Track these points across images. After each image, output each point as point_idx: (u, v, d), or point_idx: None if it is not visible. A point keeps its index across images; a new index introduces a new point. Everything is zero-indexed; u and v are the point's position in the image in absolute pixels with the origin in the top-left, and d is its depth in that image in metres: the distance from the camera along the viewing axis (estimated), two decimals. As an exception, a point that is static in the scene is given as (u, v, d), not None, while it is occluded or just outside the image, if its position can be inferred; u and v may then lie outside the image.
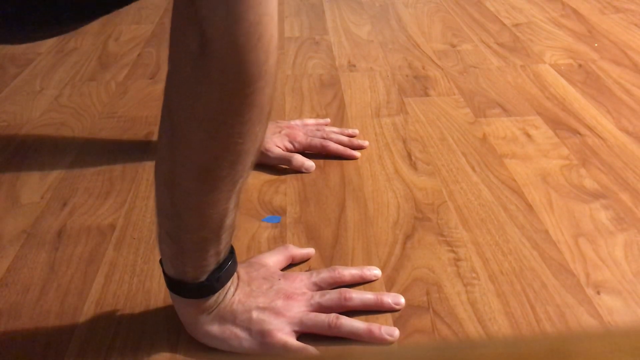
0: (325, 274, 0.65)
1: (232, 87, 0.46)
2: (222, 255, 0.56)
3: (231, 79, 0.45)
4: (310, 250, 0.70)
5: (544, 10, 1.55)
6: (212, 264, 0.56)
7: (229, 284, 0.58)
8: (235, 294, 0.59)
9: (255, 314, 0.58)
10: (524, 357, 0.16)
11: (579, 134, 0.96)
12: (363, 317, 0.62)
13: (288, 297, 0.61)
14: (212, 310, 0.58)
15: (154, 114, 1.06)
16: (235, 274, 0.60)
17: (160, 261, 0.58)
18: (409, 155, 0.91)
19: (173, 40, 0.46)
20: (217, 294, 0.57)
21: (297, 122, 0.96)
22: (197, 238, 0.53)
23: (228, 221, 0.54)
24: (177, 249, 0.54)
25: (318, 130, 0.94)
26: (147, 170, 0.89)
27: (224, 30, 0.43)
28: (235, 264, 0.59)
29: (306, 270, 0.68)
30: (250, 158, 0.50)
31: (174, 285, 0.57)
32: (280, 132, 0.91)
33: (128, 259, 0.71)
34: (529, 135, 0.96)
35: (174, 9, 0.45)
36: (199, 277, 0.56)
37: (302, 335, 0.59)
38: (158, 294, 0.66)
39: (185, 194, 0.51)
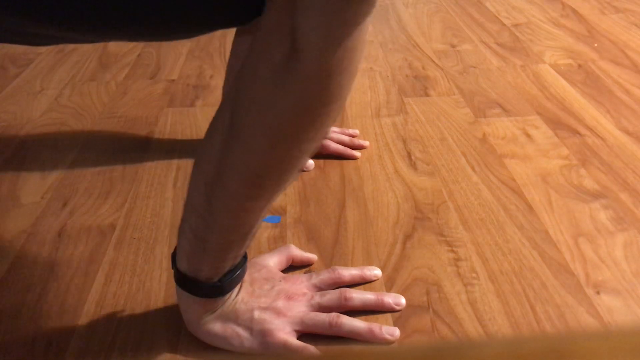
0: (325, 275, 0.65)
1: (310, 105, 0.46)
2: (239, 259, 0.57)
3: (311, 98, 0.46)
4: (312, 256, 0.70)
5: (544, 10, 1.55)
6: (228, 266, 0.56)
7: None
8: (238, 294, 0.59)
9: (256, 314, 0.58)
10: (523, 357, 0.16)
11: (579, 134, 0.96)
12: (363, 317, 0.62)
13: (289, 297, 0.61)
14: (216, 310, 0.58)
15: (154, 114, 1.06)
16: None
17: (173, 255, 0.58)
18: (409, 155, 0.91)
19: (258, 46, 0.46)
20: (225, 295, 0.58)
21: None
22: (223, 240, 0.54)
23: (256, 227, 0.54)
24: (199, 247, 0.54)
25: (318, 130, 0.94)
26: (147, 170, 0.89)
27: (319, 51, 0.43)
28: (245, 268, 0.59)
29: (306, 272, 0.68)
30: (297, 174, 0.51)
31: (185, 281, 0.57)
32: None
33: (128, 259, 0.71)
34: (528, 135, 0.96)
35: (268, 14, 0.45)
36: (212, 277, 0.56)
37: (302, 335, 0.60)
38: (158, 294, 0.66)
39: (226, 195, 0.51)
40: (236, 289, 0.59)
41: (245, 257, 0.59)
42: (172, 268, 0.58)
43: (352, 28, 0.43)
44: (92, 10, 0.48)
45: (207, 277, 0.56)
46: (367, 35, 0.45)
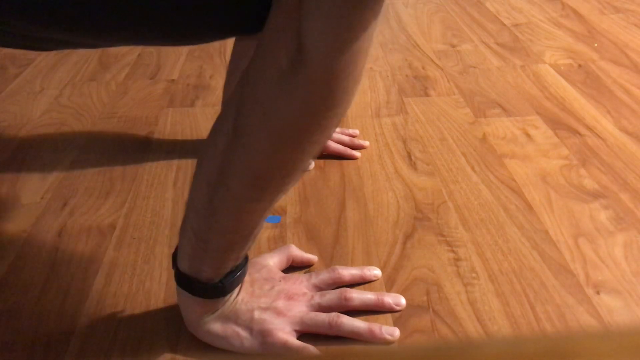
0: (325, 275, 0.65)
1: (315, 109, 0.46)
2: (240, 260, 0.57)
3: (317, 102, 0.46)
4: (312, 257, 0.70)
5: (544, 10, 1.55)
6: (229, 267, 0.56)
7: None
8: (238, 294, 0.59)
9: (256, 314, 0.58)
10: (523, 357, 0.16)
11: (579, 134, 0.96)
12: (363, 317, 0.62)
13: (289, 297, 0.61)
14: (216, 310, 0.58)
15: (154, 114, 1.06)
16: None
17: (173, 255, 0.58)
18: (409, 155, 0.91)
19: (264, 49, 0.46)
20: (225, 296, 0.58)
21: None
22: (225, 241, 0.54)
23: (257, 229, 0.55)
24: (201, 247, 0.54)
25: (318, 130, 0.94)
26: (147, 170, 0.89)
27: (326, 56, 0.43)
28: (247, 269, 0.59)
29: (306, 272, 0.68)
30: (300, 176, 0.51)
31: (186, 282, 0.57)
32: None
33: (128, 259, 0.71)
34: (528, 135, 0.96)
35: (273, 17, 0.45)
36: (213, 278, 0.56)
37: (302, 335, 0.60)
38: (158, 294, 0.66)
39: (229, 197, 0.51)
40: (237, 290, 0.59)
41: (246, 258, 0.59)
42: (173, 268, 0.58)
43: (359, 33, 0.43)
44: (105, 14, 0.48)
45: (208, 277, 0.56)
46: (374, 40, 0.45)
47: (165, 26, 0.50)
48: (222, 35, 0.56)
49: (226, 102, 0.49)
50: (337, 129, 0.96)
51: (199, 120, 1.03)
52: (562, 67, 1.20)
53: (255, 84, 0.47)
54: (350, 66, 0.44)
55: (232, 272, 0.57)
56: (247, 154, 0.48)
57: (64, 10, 0.47)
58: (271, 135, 0.47)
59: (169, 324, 0.62)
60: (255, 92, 0.47)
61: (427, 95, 1.11)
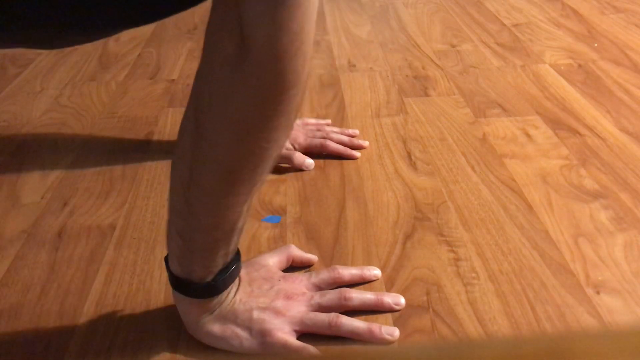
0: (325, 275, 0.65)
1: (267, 93, 0.46)
2: (230, 257, 0.57)
3: (268, 85, 0.45)
4: (312, 257, 0.70)
5: (544, 10, 1.55)
6: (220, 265, 0.56)
7: (232, 284, 0.59)
8: (236, 294, 0.59)
9: (255, 314, 0.58)
10: (523, 357, 0.17)
11: (579, 134, 0.96)
12: (363, 317, 0.62)
13: (288, 297, 0.61)
14: (214, 310, 0.58)
15: (154, 114, 1.06)
16: None
17: (165, 259, 0.58)
18: (409, 155, 0.91)
19: (209, 41, 0.46)
20: (220, 295, 0.58)
21: (298, 121, 0.96)
22: (209, 238, 0.54)
23: (240, 223, 0.54)
24: (187, 248, 0.54)
25: (318, 130, 0.94)
26: (147, 170, 0.89)
27: (267, 38, 0.43)
28: (240, 266, 0.59)
29: (306, 272, 0.68)
30: (271, 163, 0.51)
31: (179, 284, 0.57)
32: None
33: (128, 259, 0.71)
34: (528, 135, 0.96)
35: (213, 10, 0.45)
36: (205, 277, 0.56)
37: (302, 335, 0.60)
38: (158, 293, 0.66)
39: (203, 194, 0.51)
40: (233, 289, 0.59)
41: (238, 255, 0.58)
42: (167, 272, 0.58)
43: (296, 11, 0.43)
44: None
45: (199, 277, 0.56)
46: (315, 16, 0.45)
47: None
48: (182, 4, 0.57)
49: (188, 101, 0.50)
50: (337, 129, 0.96)
51: (199, 120, 1.02)
52: (562, 67, 1.20)
53: (207, 78, 0.47)
54: (295, 44, 0.44)
55: (224, 269, 0.56)
56: (211, 149, 0.49)
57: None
58: (231, 127, 0.47)
59: (169, 324, 0.62)
60: (208, 85, 0.47)
61: (427, 95, 1.11)
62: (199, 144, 0.49)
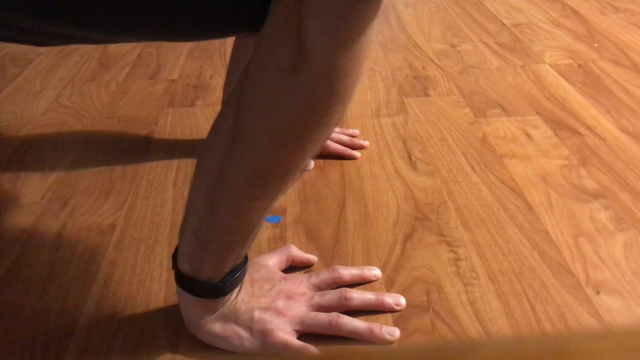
0: (325, 275, 0.65)
1: (316, 107, 0.46)
2: (240, 260, 0.57)
3: (318, 99, 0.46)
4: (312, 258, 0.70)
5: (544, 10, 1.55)
6: (229, 266, 0.56)
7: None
8: (238, 294, 0.59)
9: (256, 314, 0.58)
10: (523, 357, 0.17)
11: (579, 134, 0.96)
12: (363, 317, 0.62)
13: (289, 297, 0.61)
14: (216, 310, 0.58)
15: (154, 114, 1.06)
16: None
17: (173, 256, 0.58)
18: (409, 155, 0.91)
19: (264, 45, 0.46)
20: (225, 296, 0.58)
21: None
22: (225, 240, 0.54)
23: (258, 228, 0.55)
24: (201, 247, 0.54)
25: (318, 130, 0.94)
26: (147, 170, 0.89)
27: (327, 53, 0.43)
28: (246, 269, 0.59)
29: (306, 272, 0.68)
30: (299, 175, 0.51)
31: (186, 282, 0.57)
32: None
33: (128, 259, 0.71)
34: (528, 135, 0.96)
35: (273, 15, 0.45)
36: (214, 277, 0.56)
37: (302, 335, 0.60)
38: (158, 293, 0.66)
39: (229, 196, 0.51)
40: (237, 290, 0.59)
41: (246, 258, 0.59)
42: (173, 268, 0.58)
43: (359, 29, 0.43)
44: (110, 7, 0.48)
45: (208, 277, 0.56)
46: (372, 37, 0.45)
47: (168, 21, 0.50)
48: (222, 32, 0.56)
49: (226, 101, 0.49)
50: (337, 129, 0.96)
51: (199, 120, 1.03)
52: (562, 67, 1.20)
53: (255, 83, 0.47)
54: (351, 63, 0.44)
55: (232, 271, 0.57)
56: (247, 153, 0.48)
57: (69, 4, 0.47)
58: (272, 134, 0.47)
59: (169, 324, 0.62)
60: (255, 90, 0.47)
61: (427, 95, 1.11)
62: (235, 146, 0.48)
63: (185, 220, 0.55)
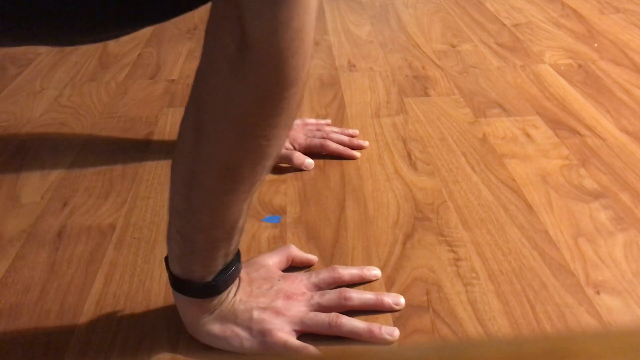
0: (324, 275, 0.65)
1: (268, 91, 0.46)
2: (230, 257, 0.57)
3: (268, 83, 0.46)
4: (312, 258, 0.70)
5: (544, 10, 1.55)
6: (220, 264, 0.56)
7: (232, 285, 0.59)
8: (236, 294, 0.59)
9: (256, 314, 0.58)
10: (523, 357, 0.17)
11: (579, 134, 0.96)
12: (363, 317, 0.62)
13: (288, 297, 0.61)
14: (214, 310, 0.58)
15: (154, 114, 1.06)
16: None
17: (166, 259, 0.58)
18: (409, 155, 0.91)
19: (209, 39, 0.46)
20: (220, 295, 0.58)
21: (298, 121, 0.96)
22: (209, 238, 0.54)
23: (241, 222, 0.54)
24: (188, 247, 0.54)
25: (318, 130, 0.94)
26: (147, 170, 0.89)
27: (268, 36, 0.43)
28: (240, 266, 0.59)
29: (306, 272, 0.68)
30: (272, 161, 0.51)
31: (179, 284, 0.57)
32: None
33: (128, 259, 0.71)
34: (528, 135, 0.96)
35: (213, 8, 0.45)
36: (206, 277, 0.56)
37: (302, 335, 0.60)
38: (158, 293, 0.66)
39: (204, 193, 0.51)
40: (233, 289, 0.59)
41: (238, 255, 0.58)
42: (167, 272, 0.58)
43: (297, 8, 0.43)
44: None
45: (200, 277, 0.56)
46: (316, 14, 0.45)
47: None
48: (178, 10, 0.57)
49: (188, 100, 0.50)
50: (337, 129, 0.96)
51: (199, 120, 1.02)
52: (562, 67, 1.20)
53: (208, 76, 0.47)
54: (295, 43, 0.44)
55: (224, 269, 0.57)
56: (212, 147, 0.49)
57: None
58: (232, 125, 0.48)
59: (169, 324, 0.62)
60: (209, 83, 0.47)
61: (427, 95, 1.11)
62: (200, 142, 0.49)
63: (169, 223, 0.55)
